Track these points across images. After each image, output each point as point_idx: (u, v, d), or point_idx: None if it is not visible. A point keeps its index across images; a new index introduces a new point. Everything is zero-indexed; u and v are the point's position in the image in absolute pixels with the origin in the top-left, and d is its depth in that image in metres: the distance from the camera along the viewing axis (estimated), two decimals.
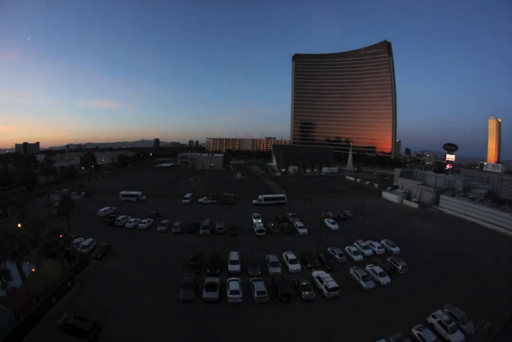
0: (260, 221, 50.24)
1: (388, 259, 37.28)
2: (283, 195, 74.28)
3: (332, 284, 29.53)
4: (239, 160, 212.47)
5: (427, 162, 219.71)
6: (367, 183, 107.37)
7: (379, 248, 41.67)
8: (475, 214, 59.90)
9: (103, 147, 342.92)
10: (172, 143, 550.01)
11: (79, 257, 34.45)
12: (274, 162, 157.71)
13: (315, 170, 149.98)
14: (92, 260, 36.41)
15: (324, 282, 29.89)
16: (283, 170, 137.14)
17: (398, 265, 35.43)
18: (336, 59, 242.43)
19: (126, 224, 50.16)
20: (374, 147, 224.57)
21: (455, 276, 34.83)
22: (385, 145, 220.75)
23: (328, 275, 31.72)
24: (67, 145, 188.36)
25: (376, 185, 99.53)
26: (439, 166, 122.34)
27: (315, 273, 32.77)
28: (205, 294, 28.15)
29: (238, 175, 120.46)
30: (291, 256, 37.07)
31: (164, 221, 50.42)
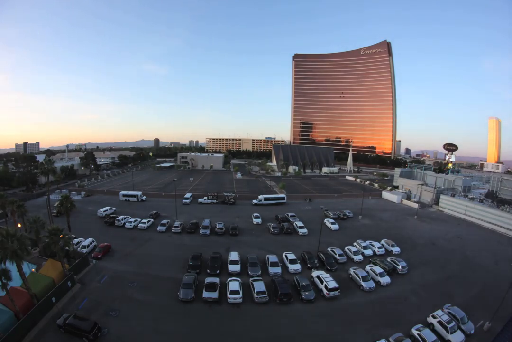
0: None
1: (388, 259, 37.28)
2: (283, 195, 74.27)
3: (332, 284, 29.52)
4: (239, 160, 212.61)
5: (427, 163, 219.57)
6: (367, 183, 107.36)
7: (379, 248, 41.66)
8: (475, 214, 59.92)
9: (103, 147, 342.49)
10: (172, 143, 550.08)
11: (79, 257, 34.42)
12: (274, 162, 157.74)
13: (315, 170, 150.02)
14: (92, 260, 36.38)
15: (324, 282, 29.88)
16: (283, 170, 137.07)
17: (398, 265, 35.42)
18: (336, 59, 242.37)
19: (126, 224, 50.14)
20: (374, 148, 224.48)
21: (455, 276, 34.84)
22: (385, 145, 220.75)
23: (328, 275, 31.74)
24: (67, 145, 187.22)
25: (376, 185, 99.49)
26: (439, 167, 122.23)
27: (315, 273, 32.78)
28: (205, 294, 28.14)
29: (238, 175, 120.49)
30: (291, 256, 37.04)
31: (164, 221, 50.41)
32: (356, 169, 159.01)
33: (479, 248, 45.01)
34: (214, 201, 70.14)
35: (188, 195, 71.90)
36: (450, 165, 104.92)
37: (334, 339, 23.62)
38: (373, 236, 47.08)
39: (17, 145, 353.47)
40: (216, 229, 47.94)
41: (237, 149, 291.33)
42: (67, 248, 33.22)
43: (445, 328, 23.81)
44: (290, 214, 57.05)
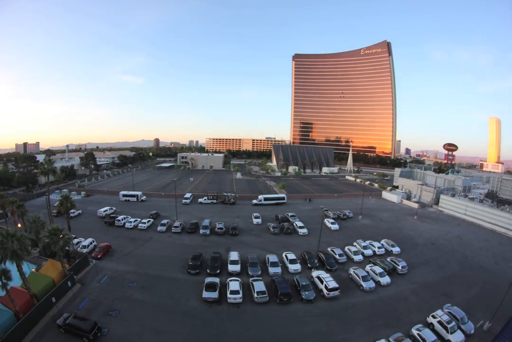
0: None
1: (388, 259, 37.28)
2: (283, 195, 74.25)
3: (332, 284, 29.52)
4: (239, 160, 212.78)
5: (427, 163, 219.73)
6: (367, 183, 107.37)
7: (379, 248, 41.65)
8: (475, 214, 59.93)
9: (103, 147, 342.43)
10: (172, 143, 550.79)
11: (79, 257, 34.43)
12: (274, 162, 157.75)
13: (315, 170, 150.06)
14: (92, 260, 36.39)
15: (324, 282, 29.88)
16: (283, 170, 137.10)
17: (398, 265, 35.41)
18: (336, 59, 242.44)
19: (126, 224, 50.14)
20: (374, 148, 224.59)
21: (455, 276, 34.85)
22: (385, 145, 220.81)
23: (328, 275, 31.74)
24: (67, 145, 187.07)
25: (376, 185, 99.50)
26: (439, 167, 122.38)
27: (315, 273, 32.77)
28: (205, 294, 28.13)
29: (238, 175, 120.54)
30: (291, 256, 37.03)
31: (164, 221, 50.42)
32: (356, 169, 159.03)
33: (479, 248, 45.02)
34: (214, 201, 70.14)
35: (188, 195, 71.90)
36: (451, 164, 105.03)
37: (334, 339, 23.61)
38: (373, 236, 47.10)
39: (17, 145, 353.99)
40: (216, 229, 47.94)
41: (237, 149, 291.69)
42: (67, 248, 33.23)
43: (445, 328, 23.81)
44: (290, 214, 57.05)
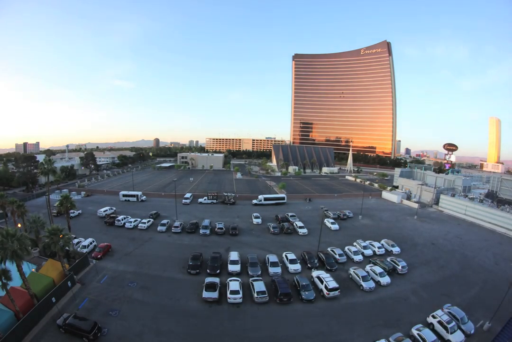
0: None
1: (388, 259, 37.28)
2: (283, 195, 74.26)
3: (332, 284, 29.52)
4: (239, 160, 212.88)
5: (427, 163, 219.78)
6: (367, 183, 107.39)
7: (379, 248, 41.65)
8: (475, 214, 59.93)
9: (103, 147, 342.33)
10: (172, 143, 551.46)
11: (79, 257, 34.42)
12: (274, 162, 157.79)
13: (315, 170, 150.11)
14: (92, 260, 36.38)
15: (324, 282, 29.88)
16: (283, 170, 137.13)
17: (398, 265, 35.42)
18: (336, 59, 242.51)
19: (126, 224, 50.13)
20: (374, 148, 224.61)
21: (455, 276, 34.85)
22: (385, 145, 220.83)
23: (328, 275, 31.73)
24: (67, 145, 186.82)
25: (376, 185, 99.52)
26: (439, 167, 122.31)
27: (315, 273, 32.77)
28: (205, 294, 28.13)
29: (238, 175, 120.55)
30: (291, 256, 37.01)
31: (164, 221, 50.42)
32: (356, 169, 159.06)
33: (479, 248, 45.01)
34: (214, 201, 70.14)
35: (188, 195, 71.90)
36: (449, 162, 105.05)
37: (334, 339, 23.61)
38: (373, 236, 47.11)
39: (17, 145, 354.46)
40: (216, 229, 47.94)
41: (237, 149, 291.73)
42: (67, 248, 33.21)
43: (445, 328, 23.81)
44: (290, 214, 57.03)
